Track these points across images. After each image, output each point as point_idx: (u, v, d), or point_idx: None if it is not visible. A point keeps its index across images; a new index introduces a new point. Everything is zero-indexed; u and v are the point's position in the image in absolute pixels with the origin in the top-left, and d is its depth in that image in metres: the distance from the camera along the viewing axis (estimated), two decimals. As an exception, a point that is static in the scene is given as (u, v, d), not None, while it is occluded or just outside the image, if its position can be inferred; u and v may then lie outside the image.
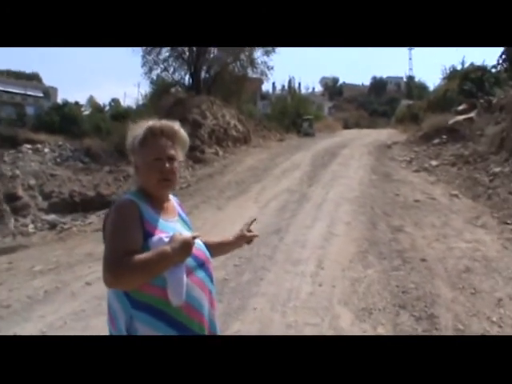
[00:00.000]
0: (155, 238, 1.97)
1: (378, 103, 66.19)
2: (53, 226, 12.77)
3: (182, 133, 2.21)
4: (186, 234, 2.02)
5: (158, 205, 2.13)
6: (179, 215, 2.24)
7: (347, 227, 8.52)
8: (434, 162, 14.59)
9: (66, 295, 6.68)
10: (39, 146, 18.69)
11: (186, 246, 1.92)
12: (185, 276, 1.96)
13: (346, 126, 44.28)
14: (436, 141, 17.05)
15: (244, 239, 2.55)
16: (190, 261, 2.00)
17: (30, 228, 12.76)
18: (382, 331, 4.67)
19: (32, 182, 14.78)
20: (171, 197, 2.29)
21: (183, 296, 1.93)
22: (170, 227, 2.07)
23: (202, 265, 2.09)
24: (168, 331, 1.93)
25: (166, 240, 1.94)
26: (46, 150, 18.11)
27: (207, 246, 2.24)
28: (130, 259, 1.85)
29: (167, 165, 2.10)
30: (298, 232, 8.41)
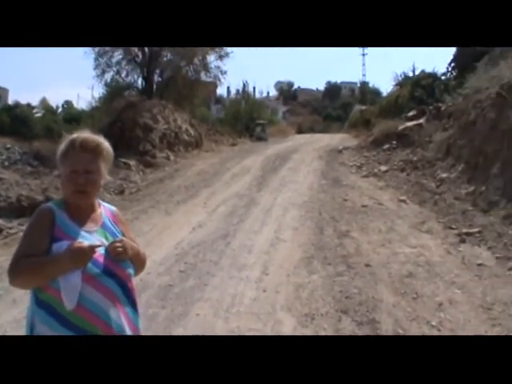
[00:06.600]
0: (58, 244, 2.03)
1: (332, 108, 66.86)
2: (-3, 231, 12.32)
3: (105, 146, 2.27)
4: (87, 243, 2.05)
5: (77, 214, 2.18)
6: (103, 225, 2.25)
7: (294, 232, 8.51)
8: (383, 168, 14.78)
9: (7, 302, 6.46)
10: (-15, 148, 18.11)
11: (79, 254, 1.98)
12: (80, 282, 1.99)
13: (300, 131, 44.56)
14: (386, 146, 17.29)
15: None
16: (91, 268, 2.03)
17: (-28, 233, 12.25)
18: (322, 338, 4.64)
19: (-24, 185, 14.23)
20: (105, 207, 2.37)
21: (75, 301, 1.97)
22: (84, 236, 2.11)
23: (109, 273, 2.09)
24: (62, 331, 1.97)
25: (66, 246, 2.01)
26: (-7, 152, 17.54)
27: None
28: (23, 261, 1.99)
29: (83, 178, 2.15)
30: (244, 237, 8.35)
